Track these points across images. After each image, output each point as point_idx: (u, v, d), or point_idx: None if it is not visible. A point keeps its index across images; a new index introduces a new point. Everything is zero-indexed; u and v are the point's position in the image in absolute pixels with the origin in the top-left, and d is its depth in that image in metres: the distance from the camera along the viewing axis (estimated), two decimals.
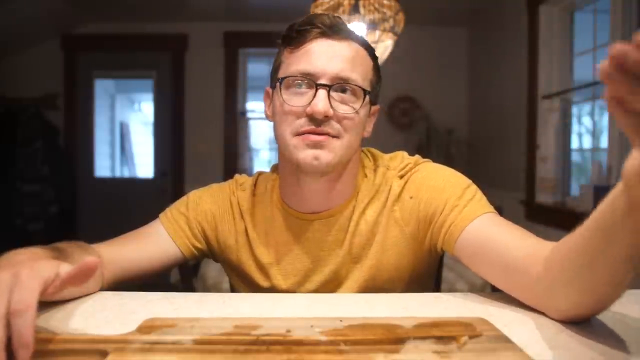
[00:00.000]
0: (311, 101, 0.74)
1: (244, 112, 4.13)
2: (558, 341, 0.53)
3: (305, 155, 0.74)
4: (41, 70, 3.89)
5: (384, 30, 2.08)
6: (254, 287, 0.86)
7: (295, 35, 0.77)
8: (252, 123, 4.28)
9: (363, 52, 0.79)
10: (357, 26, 2.04)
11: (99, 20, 3.86)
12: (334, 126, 0.75)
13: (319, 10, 2.04)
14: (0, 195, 3.60)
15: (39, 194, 3.69)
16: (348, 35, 0.78)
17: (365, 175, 0.85)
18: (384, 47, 2.12)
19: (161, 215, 0.88)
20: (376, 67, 0.83)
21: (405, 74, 3.77)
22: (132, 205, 3.79)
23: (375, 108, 0.84)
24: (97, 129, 4.32)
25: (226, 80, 3.98)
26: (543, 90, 2.76)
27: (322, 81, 0.74)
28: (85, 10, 3.71)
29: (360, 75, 0.77)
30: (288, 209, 0.83)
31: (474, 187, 0.80)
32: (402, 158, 0.86)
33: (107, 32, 3.88)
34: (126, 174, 5.26)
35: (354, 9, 2.04)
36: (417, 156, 0.87)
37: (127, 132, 5.61)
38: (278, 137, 0.79)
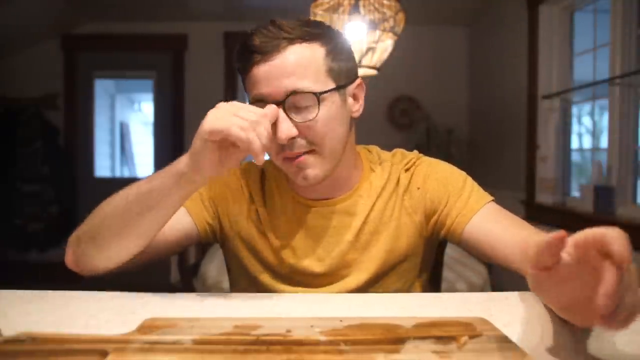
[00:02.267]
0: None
1: None
2: (558, 341, 0.53)
3: (294, 177, 0.79)
4: (41, 70, 3.89)
5: (384, 30, 2.08)
6: (269, 268, 0.87)
7: (239, 65, 0.78)
8: None
9: (307, 49, 0.75)
10: (357, 26, 2.04)
11: (99, 20, 3.86)
12: (301, 144, 0.75)
13: (318, 10, 2.04)
14: (0, 195, 3.60)
15: (39, 194, 3.69)
16: (285, 42, 0.74)
17: (373, 170, 0.89)
18: (384, 47, 2.12)
19: None
20: (334, 47, 0.78)
21: (405, 74, 3.77)
22: None
23: (355, 84, 0.82)
24: (97, 129, 4.33)
25: (226, 80, 3.98)
26: (543, 90, 2.76)
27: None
28: (85, 10, 3.71)
29: (309, 78, 0.74)
30: (296, 196, 0.87)
31: (469, 178, 0.88)
32: (402, 154, 0.92)
33: (107, 32, 3.88)
34: (126, 174, 5.27)
35: (354, 9, 2.04)
36: (415, 151, 0.93)
37: (127, 132, 5.61)
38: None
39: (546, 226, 2.70)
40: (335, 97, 0.77)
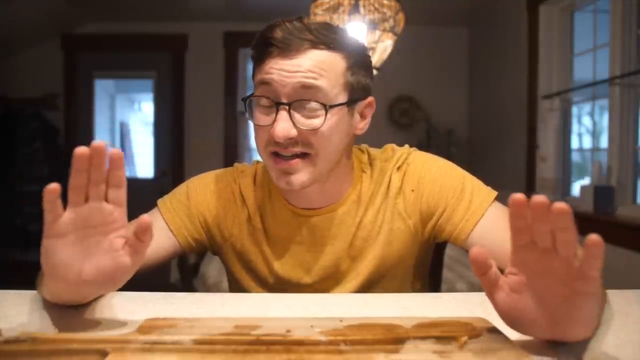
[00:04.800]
0: (273, 122, 0.72)
1: (244, 112, 4.12)
2: (558, 341, 0.53)
3: (278, 178, 0.75)
4: (41, 70, 3.89)
5: (384, 30, 2.07)
6: (258, 277, 0.85)
7: (254, 53, 0.75)
8: (252, 123, 4.27)
9: (329, 57, 0.73)
10: (357, 26, 2.04)
11: (99, 20, 3.86)
12: (302, 145, 0.73)
13: (319, 10, 2.04)
14: (0, 195, 3.60)
15: (39, 194, 3.67)
16: (308, 44, 0.72)
17: (364, 171, 0.85)
18: (384, 47, 2.12)
19: (160, 203, 0.86)
20: (357, 62, 0.77)
21: (405, 74, 3.77)
22: (132, 205, 3.74)
23: (366, 102, 0.80)
24: (97, 129, 4.33)
25: (226, 80, 3.98)
26: (543, 90, 2.76)
27: (282, 100, 0.72)
28: (85, 10, 3.71)
29: (325, 82, 0.72)
30: (287, 204, 0.83)
31: (467, 176, 0.83)
32: (392, 150, 0.87)
33: (107, 32, 3.88)
34: (126, 173, 5.26)
35: (354, 9, 2.04)
36: (406, 146, 0.89)
37: (127, 132, 5.61)
38: (257, 149, 0.80)
39: None
40: (343, 111, 0.75)
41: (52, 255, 0.53)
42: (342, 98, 0.75)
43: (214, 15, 3.79)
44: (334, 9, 2.03)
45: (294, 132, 0.71)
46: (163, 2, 3.60)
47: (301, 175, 0.74)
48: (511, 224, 0.46)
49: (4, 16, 3.20)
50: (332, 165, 0.77)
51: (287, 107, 0.71)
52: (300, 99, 0.72)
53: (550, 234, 0.44)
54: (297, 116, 0.72)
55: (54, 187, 0.52)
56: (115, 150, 0.54)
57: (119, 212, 0.55)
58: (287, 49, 0.71)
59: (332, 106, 0.73)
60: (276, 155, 0.74)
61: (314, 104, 0.72)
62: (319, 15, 2.03)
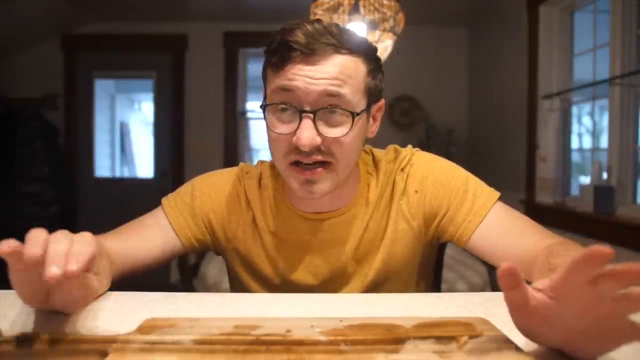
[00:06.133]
0: (296, 130, 0.69)
1: (244, 112, 4.13)
2: None
3: (299, 188, 0.74)
4: (41, 70, 3.89)
5: (384, 30, 2.08)
6: (263, 279, 0.85)
7: (273, 56, 0.71)
8: (252, 123, 4.28)
9: (352, 62, 0.72)
10: (357, 26, 2.04)
11: (99, 20, 3.86)
12: (324, 153, 0.71)
13: (319, 10, 2.04)
14: (0, 195, 3.60)
15: (39, 194, 3.69)
16: (332, 49, 0.70)
17: (370, 174, 0.85)
18: (384, 47, 2.12)
19: (164, 202, 0.86)
20: (375, 66, 0.76)
21: (405, 74, 3.77)
22: (132, 205, 3.77)
23: (379, 105, 0.80)
24: (97, 129, 4.32)
25: (226, 80, 3.98)
26: (543, 90, 2.76)
27: (306, 108, 0.69)
28: (85, 10, 3.71)
29: (349, 89, 0.70)
30: (293, 208, 0.83)
31: (471, 177, 0.83)
32: (395, 150, 0.87)
33: (107, 32, 3.88)
34: (126, 174, 5.26)
35: (354, 9, 2.04)
36: (409, 146, 0.89)
37: (127, 132, 5.61)
38: (272, 157, 0.77)
39: (546, 226, 2.69)
40: (363, 117, 0.74)
41: (18, 286, 0.53)
42: (363, 104, 0.74)
43: (214, 15, 3.79)
44: (334, 9, 2.03)
45: (318, 140, 0.70)
46: (163, 2, 3.60)
47: (323, 184, 0.73)
48: (576, 266, 0.40)
49: (4, 16, 3.20)
50: (350, 171, 0.77)
51: (311, 115, 0.69)
52: (324, 106, 0.70)
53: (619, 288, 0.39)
54: (321, 125, 0.70)
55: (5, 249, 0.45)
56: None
57: (83, 246, 0.50)
58: (311, 54, 0.68)
59: (358, 114, 0.71)
60: (296, 164, 0.72)
61: (339, 112, 0.70)
62: (318, 15, 2.03)
